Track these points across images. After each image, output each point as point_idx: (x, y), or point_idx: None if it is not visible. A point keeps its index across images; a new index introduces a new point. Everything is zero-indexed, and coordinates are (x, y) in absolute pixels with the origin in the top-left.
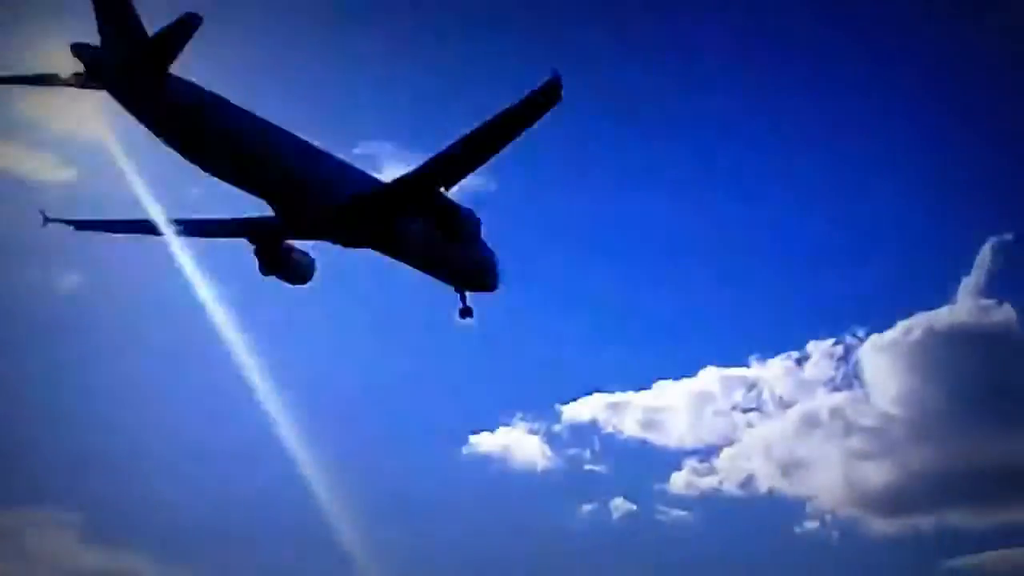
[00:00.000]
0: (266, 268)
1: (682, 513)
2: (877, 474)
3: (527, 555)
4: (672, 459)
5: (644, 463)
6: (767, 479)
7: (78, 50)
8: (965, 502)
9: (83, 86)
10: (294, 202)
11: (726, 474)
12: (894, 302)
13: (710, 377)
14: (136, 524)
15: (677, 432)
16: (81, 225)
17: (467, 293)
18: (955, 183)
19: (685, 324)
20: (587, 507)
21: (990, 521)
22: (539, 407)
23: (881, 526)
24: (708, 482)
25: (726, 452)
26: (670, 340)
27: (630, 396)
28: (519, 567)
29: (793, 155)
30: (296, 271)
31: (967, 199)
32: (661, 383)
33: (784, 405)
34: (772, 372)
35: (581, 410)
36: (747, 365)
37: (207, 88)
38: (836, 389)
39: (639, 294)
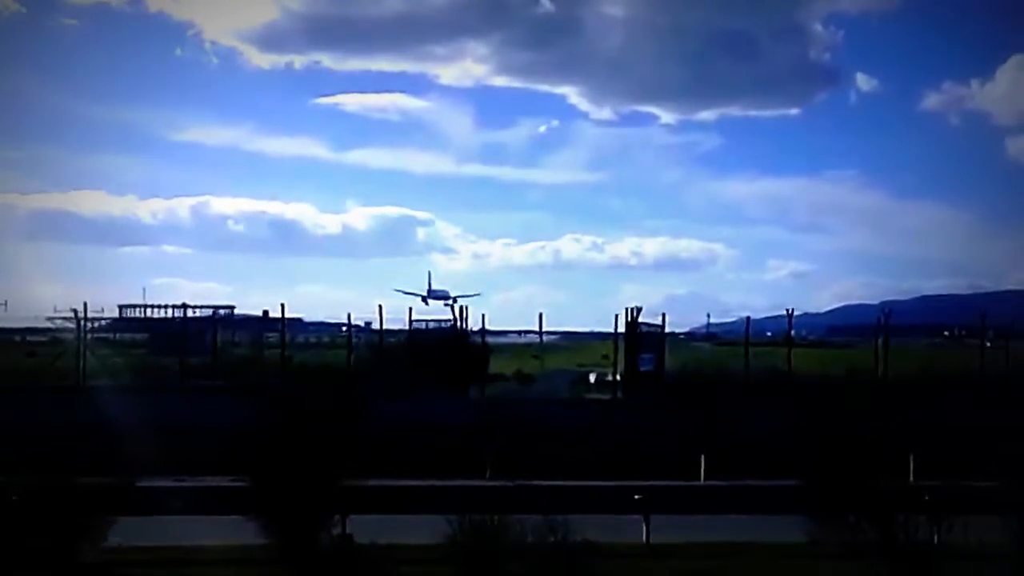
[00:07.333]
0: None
1: (72, 21)
2: (258, 11)
3: None
4: None
5: None
6: (158, 1)
7: None
8: (335, 46)
9: None
10: None
11: None
12: None
13: None
14: None
15: None
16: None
17: None
18: None
19: None
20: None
21: (352, 67)
22: None
23: (259, 60)
24: None
25: None
26: None
27: None
28: None
29: None
30: None
31: None
32: None
33: None
34: None
35: None
36: None
37: None
38: None
39: None
